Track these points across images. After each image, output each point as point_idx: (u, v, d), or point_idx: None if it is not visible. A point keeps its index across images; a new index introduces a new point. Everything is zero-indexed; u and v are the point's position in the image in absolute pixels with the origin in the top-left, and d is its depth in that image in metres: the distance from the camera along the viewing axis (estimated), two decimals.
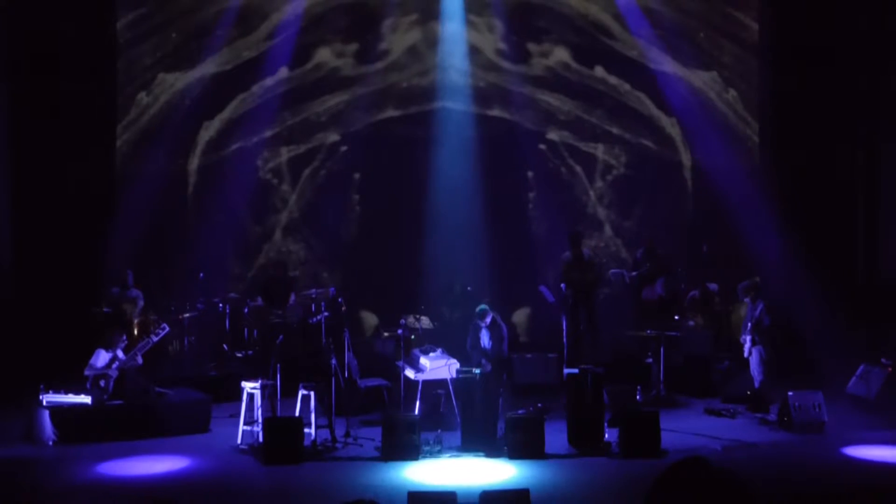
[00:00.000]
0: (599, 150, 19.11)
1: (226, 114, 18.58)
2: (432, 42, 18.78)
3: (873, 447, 12.21)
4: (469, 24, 18.77)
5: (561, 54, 18.88)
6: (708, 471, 3.52)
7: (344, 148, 18.95)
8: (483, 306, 13.25)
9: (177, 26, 18.26)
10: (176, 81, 18.38)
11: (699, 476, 3.51)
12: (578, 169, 19.08)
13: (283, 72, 18.64)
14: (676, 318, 16.01)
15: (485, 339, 12.94)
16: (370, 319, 18.38)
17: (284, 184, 18.94)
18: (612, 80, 18.88)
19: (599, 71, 18.89)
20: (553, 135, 19.04)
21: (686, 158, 18.86)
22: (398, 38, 18.85)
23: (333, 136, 18.93)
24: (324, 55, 18.77)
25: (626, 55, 18.71)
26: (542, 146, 19.04)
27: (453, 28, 18.67)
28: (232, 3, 18.30)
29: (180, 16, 18.25)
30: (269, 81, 18.58)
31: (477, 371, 12.69)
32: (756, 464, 11.40)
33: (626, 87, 18.83)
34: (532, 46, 18.90)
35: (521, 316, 18.67)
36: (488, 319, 12.87)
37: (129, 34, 18.07)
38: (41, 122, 16.51)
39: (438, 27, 18.71)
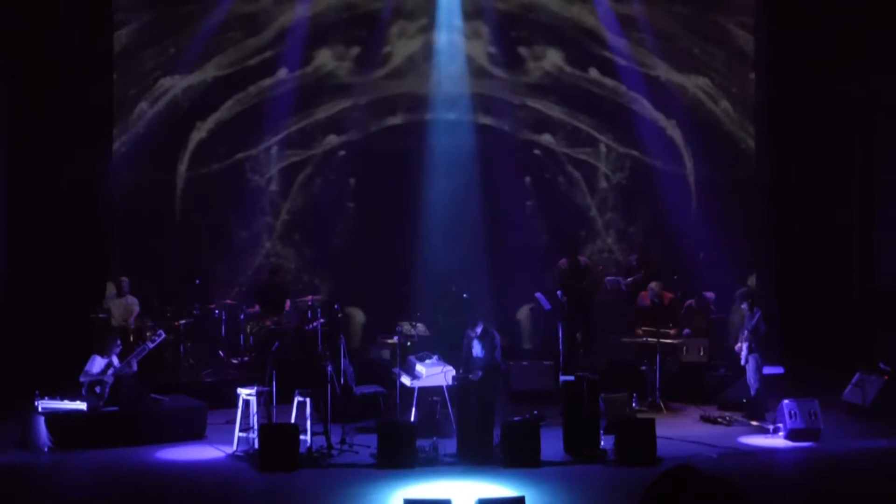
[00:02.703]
0: (597, 155, 19.11)
1: (219, 115, 18.55)
2: (431, 51, 18.80)
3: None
4: (463, 32, 18.80)
5: (554, 58, 18.90)
6: (698, 479, 3.52)
7: (341, 153, 18.95)
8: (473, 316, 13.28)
9: (177, 31, 18.23)
10: (175, 86, 18.38)
11: (689, 484, 3.52)
12: (577, 175, 19.09)
13: (281, 75, 18.65)
14: (672, 325, 16.00)
15: (476, 349, 12.94)
16: (358, 316, 18.40)
17: (279, 189, 18.91)
18: (608, 81, 18.90)
19: (594, 73, 18.92)
20: (550, 141, 19.06)
21: (688, 160, 18.87)
22: (402, 45, 18.87)
23: (330, 142, 18.93)
24: (324, 61, 18.78)
25: (618, 60, 18.72)
26: (539, 152, 19.06)
27: (449, 37, 18.71)
28: (235, 8, 18.31)
29: (180, 20, 18.23)
30: (266, 84, 18.58)
31: (472, 376, 12.69)
32: (751, 471, 11.40)
33: (623, 88, 18.85)
34: (527, 55, 18.90)
35: (523, 313, 18.71)
36: (479, 329, 12.84)
37: (130, 39, 18.06)
38: (38, 127, 16.48)
39: (436, 36, 18.74)
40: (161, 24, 18.20)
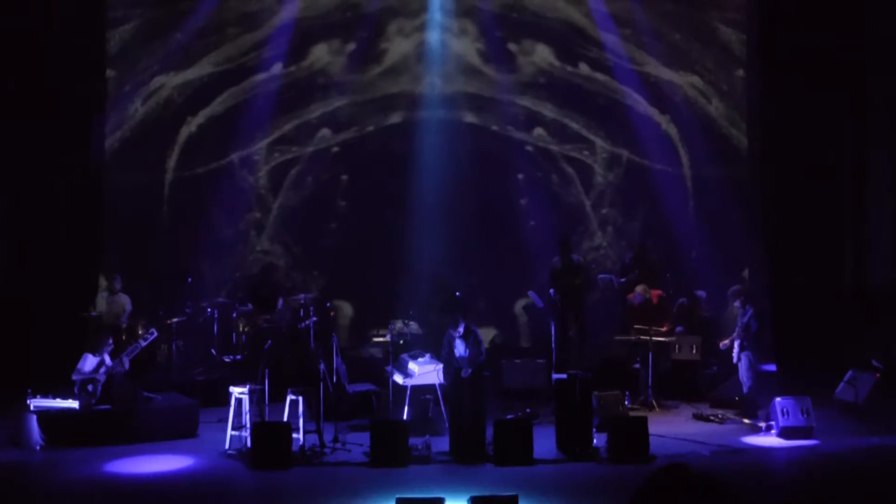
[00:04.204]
0: (592, 151, 19.11)
1: (211, 111, 18.53)
2: (424, 49, 18.80)
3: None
4: (454, 31, 18.80)
5: (546, 55, 18.89)
6: (690, 476, 3.53)
7: (335, 149, 18.94)
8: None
9: (172, 28, 18.20)
10: (168, 83, 18.35)
11: (681, 482, 3.52)
12: (571, 171, 19.10)
13: (275, 71, 18.63)
14: (664, 323, 16.01)
15: (460, 349, 12.93)
16: (346, 309, 18.41)
17: (270, 187, 18.89)
18: (601, 78, 18.89)
19: (586, 70, 18.91)
20: (544, 138, 19.05)
21: (684, 156, 18.87)
22: (397, 43, 18.87)
23: (322, 140, 18.91)
24: (317, 58, 18.77)
25: (610, 57, 18.74)
26: (532, 150, 19.05)
27: (441, 36, 18.72)
28: (230, 4, 18.30)
29: (175, 17, 18.20)
30: (259, 80, 18.55)
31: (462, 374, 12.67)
32: (744, 469, 11.41)
33: (617, 85, 18.86)
34: (519, 57, 18.90)
35: (517, 311, 18.74)
36: (461, 329, 12.81)
37: (127, 36, 18.04)
38: (30, 125, 16.42)
39: (428, 35, 18.75)
40: (156, 21, 18.20)
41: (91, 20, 17.26)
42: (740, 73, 18.61)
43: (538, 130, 19.08)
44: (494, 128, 18.99)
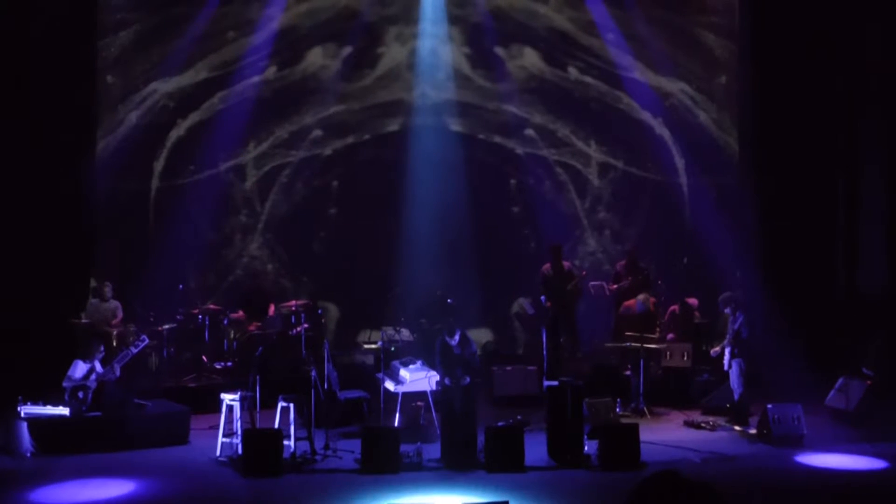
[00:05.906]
0: (584, 157, 19.14)
1: (200, 115, 18.52)
2: (416, 58, 18.82)
3: (846, 457, 12.33)
4: (445, 40, 18.82)
5: (537, 62, 18.92)
6: (681, 483, 3.54)
7: (327, 153, 18.93)
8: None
9: (165, 34, 18.19)
10: (160, 90, 18.34)
11: (672, 489, 3.53)
12: (564, 177, 19.12)
13: (268, 76, 18.63)
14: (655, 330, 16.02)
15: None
16: (332, 311, 18.40)
17: (259, 192, 18.86)
18: (593, 84, 18.94)
19: (577, 76, 18.94)
20: (537, 144, 19.06)
21: (678, 161, 18.90)
22: (390, 51, 18.89)
23: (313, 146, 18.90)
24: (310, 65, 18.77)
25: (601, 64, 18.79)
26: (525, 157, 19.07)
27: (432, 44, 18.74)
28: (222, 10, 18.29)
29: (169, 24, 18.20)
30: (250, 84, 18.53)
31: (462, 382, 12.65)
32: (735, 476, 11.41)
33: (606, 89, 18.90)
34: (509, 63, 18.93)
35: (509, 318, 18.76)
36: (457, 336, 12.79)
37: (122, 42, 18.04)
38: (22, 131, 16.38)
39: (420, 43, 18.77)
40: (150, 27, 18.19)
41: (87, 25, 17.25)
42: (723, 79, 18.68)
43: (530, 136, 19.09)
44: (484, 135, 19.00)
